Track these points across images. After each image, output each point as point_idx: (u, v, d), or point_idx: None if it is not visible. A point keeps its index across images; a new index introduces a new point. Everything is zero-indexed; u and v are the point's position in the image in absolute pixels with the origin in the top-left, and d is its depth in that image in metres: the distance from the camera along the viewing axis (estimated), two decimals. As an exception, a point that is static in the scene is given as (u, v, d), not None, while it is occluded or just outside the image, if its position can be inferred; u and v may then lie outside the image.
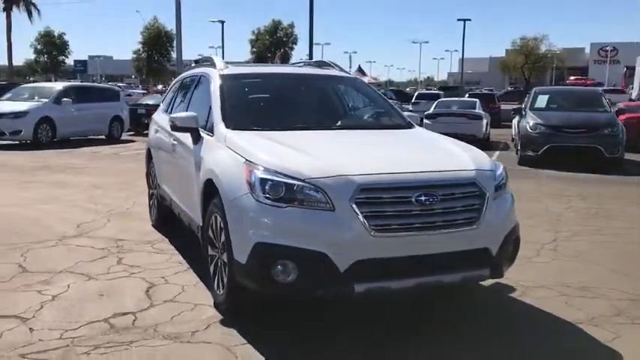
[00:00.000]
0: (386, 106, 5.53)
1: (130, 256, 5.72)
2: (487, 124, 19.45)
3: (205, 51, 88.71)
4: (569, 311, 4.38)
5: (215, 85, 5.14)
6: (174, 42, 37.77)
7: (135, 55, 61.37)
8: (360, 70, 60.69)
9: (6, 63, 54.81)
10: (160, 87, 52.71)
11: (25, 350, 3.61)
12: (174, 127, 4.93)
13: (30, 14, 53.24)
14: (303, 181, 3.61)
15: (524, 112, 14.97)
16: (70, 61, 78.98)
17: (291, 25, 63.87)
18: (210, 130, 4.69)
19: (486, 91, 37.19)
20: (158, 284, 4.88)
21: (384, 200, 3.62)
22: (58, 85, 19.44)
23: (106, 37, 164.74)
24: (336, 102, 5.56)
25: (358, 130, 4.90)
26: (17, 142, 16.59)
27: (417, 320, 4.27)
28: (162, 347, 3.68)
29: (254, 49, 62.93)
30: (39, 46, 68.08)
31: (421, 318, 4.32)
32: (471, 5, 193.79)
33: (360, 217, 3.51)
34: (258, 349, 3.65)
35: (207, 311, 4.27)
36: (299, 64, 6.76)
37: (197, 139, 4.82)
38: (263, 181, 3.68)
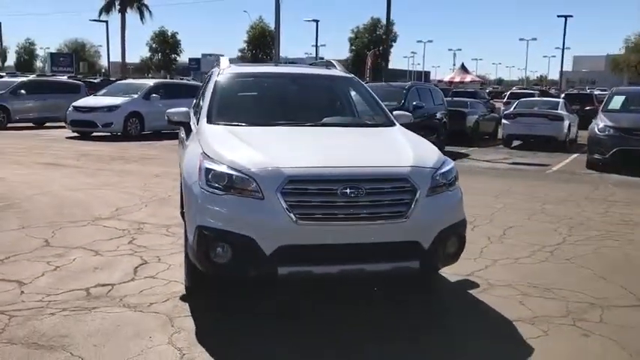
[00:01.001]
0: (374, 106, 5.75)
1: (143, 237, 6.33)
2: (570, 126, 18.67)
3: (311, 50, 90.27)
4: (517, 309, 4.43)
5: (211, 83, 5.62)
6: (278, 40, 38.98)
7: (240, 54, 63.80)
8: (463, 68, 59.30)
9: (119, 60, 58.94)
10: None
11: (7, 307, 4.24)
12: (169, 121, 5.45)
13: (142, 15, 57.08)
14: (240, 171, 3.98)
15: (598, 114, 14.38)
16: (184, 58, 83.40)
17: (391, 23, 63.66)
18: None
19: (584, 92, 35.34)
20: (150, 262, 5.42)
21: (310, 191, 3.90)
22: (149, 82, 20.95)
23: (216, 36, 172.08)
24: (323, 100, 5.85)
25: (332, 128, 5.16)
26: (109, 134, 18.07)
27: (364, 304, 4.50)
28: (116, 314, 4.18)
29: (352, 48, 63.45)
30: (154, 45, 72.56)
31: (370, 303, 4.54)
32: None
33: (285, 205, 3.83)
34: (196, 322, 4.06)
35: (176, 287, 4.73)
36: (303, 65, 7.10)
37: (189, 132, 5.32)
38: (208, 170, 4.09)
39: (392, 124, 5.43)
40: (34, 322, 4.00)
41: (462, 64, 61.59)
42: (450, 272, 5.25)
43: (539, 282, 5.07)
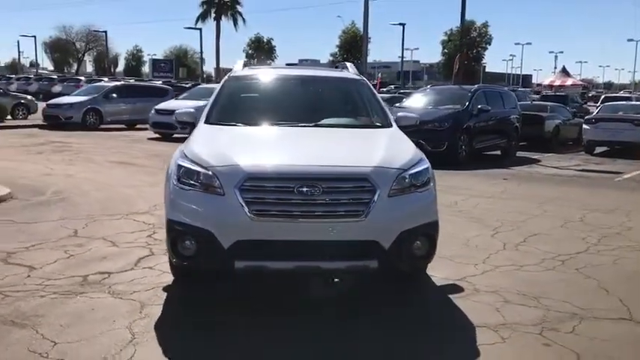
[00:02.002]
0: (377, 108, 5.77)
1: (163, 232, 6.66)
2: (659, 132, 17.45)
3: (404, 53, 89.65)
4: (488, 316, 4.33)
5: (220, 85, 5.88)
6: (366, 45, 39.24)
7: (332, 58, 64.53)
8: (565, 72, 57.02)
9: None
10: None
11: (7, 288, 4.67)
12: (177, 121, 5.76)
13: (235, 22, 59.32)
14: (205, 168, 4.18)
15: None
16: (281, 63, 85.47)
17: (485, 25, 62.18)
18: None
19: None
20: (156, 254, 5.73)
21: (267, 189, 4.03)
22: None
23: (310, 42, 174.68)
24: (325, 102, 5.92)
25: (324, 129, 5.23)
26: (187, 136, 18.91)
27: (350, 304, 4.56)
28: (97, 299, 4.50)
29: (445, 51, 62.45)
30: (250, 51, 74.93)
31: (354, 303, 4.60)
32: None
33: (242, 202, 3.98)
34: (163, 311, 4.30)
35: (166, 278, 4.99)
36: (316, 67, 7.19)
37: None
38: (179, 167, 4.33)
39: (389, 126, 5.44)
40: (21, 302, 4.38)
41: (563, 67, 58.94)
42: (441, 276, 5.21)
43: (530, 290, 4.90)
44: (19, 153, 14.15)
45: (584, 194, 10.06)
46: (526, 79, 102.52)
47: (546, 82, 50.72)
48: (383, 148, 4.55)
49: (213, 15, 58.50)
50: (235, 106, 5.73)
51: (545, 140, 18.20)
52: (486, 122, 14.87)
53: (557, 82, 48.94)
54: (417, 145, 12.99)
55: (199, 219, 4.09)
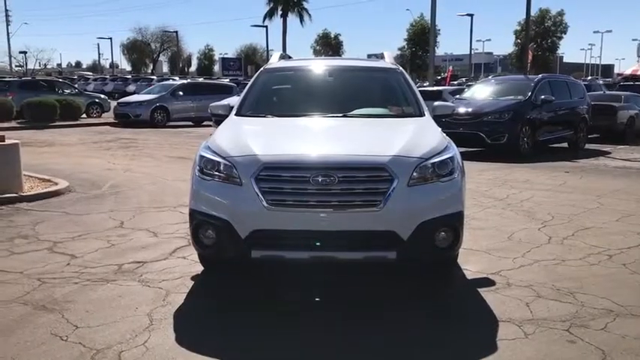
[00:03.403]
0: (410, 97, 5.64)
1: (205, 223, 6.80)
2: None
3: (476, 45, 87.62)
4: (515, 310, 4.14)
5: (253, 77, 5.93)
6: (437, 37, 38.65)
7: (399, 52, 63.90)
8: (646, 60, 54.01)
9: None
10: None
11: (46, 275, 4.88)
12: (211, 114, 5.85)
13: (301, 19, 59.78)
14: (224, 158, 4.22)
15: None
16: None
17: (560, 13, 59.74)
18: None
19: None
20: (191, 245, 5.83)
21: (283, 178, 4.02)
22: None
23: (378, 36, 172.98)
24: (359, 92, 5.82)
25: (353, 119, 5.16)
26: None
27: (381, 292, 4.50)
28: (126, 287, 4.63)
29: (518, 41, 60.51)
30: (317, 47, 75.30)
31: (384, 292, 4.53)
32: None
33: (258, 192, 3.99)
34: (186, 300, 4.37)
35: (196, 268, 5.07)
36: (352, 58, 7.09)
37: None
38: (201, 157, 4.39)
39: (420, 115, 5.31)
40: (55, 288, 4.57)
41: (647, 55, 55.95)
42: (474, 270, 5.06)
43: (567, 285, 4.66)
44: (87, 149, 14.82)
45: (650, 187, 9.49)
46: (607, 69, 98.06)
47: (628, 71, 48.40)
48: (406, 138, 4.44)
49: (280, 12, 59.19)
50: (266, 98, 5.76)
51: (619, 132, 17.32)
52: (551, 113, 14.30)
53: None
54: (475, 137, 12.91)
55: (218, 209, 4.14)
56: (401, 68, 6.16)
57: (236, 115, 5.38)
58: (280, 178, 4.02)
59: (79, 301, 4.30)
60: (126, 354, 3.44)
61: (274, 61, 6.33)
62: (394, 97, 5.78)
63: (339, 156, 4.10)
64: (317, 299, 4.48)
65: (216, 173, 4.23)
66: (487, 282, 4.75)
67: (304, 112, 5.28)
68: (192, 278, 4.84)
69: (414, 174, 4.06)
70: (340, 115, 5.20)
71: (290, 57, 6.91)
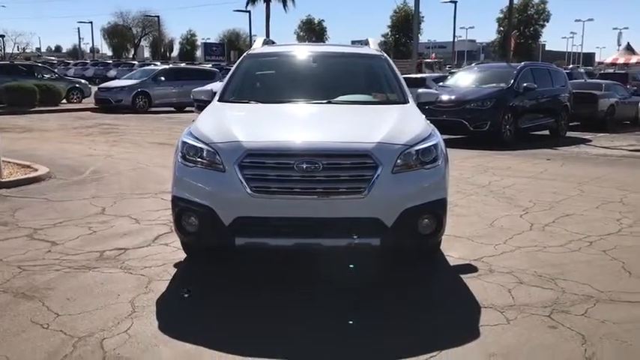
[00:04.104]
0: (394, 84, 5.63)
1: (187, 209, 6.75)
2: None
3: (460, 32, 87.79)
4: (497, 296, 4.18)
5: (236, 63, 5.87)
6: (420, 25, 38.58)
7: (383, 39, 63.80)
8: (629, 49, 54.84)
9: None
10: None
11: (26, 262, 4.82)
12: (194, 100, 5.79)
13: (285, 4, 59.44)
14: (207, 145, 4.18)
15: None
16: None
17: (543, 1, 59.96)
18: None
19: None
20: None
21: (267, 165, 3.99)
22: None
23: (361, 23, 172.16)
24: (342, 79, 5.79)
25: (337, 106, 5.13)
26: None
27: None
28: (108, 274, 4.58)
29: (500, 29, 60.69)
30: (301, 33, 74.89)
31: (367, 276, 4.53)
32: None
33: (242, 178, 3.96)
34: (168, 287, 4.34)
35: (179, 255, 5.04)
36: (337, 44, 7.05)
37: None
38: (184, 144, 4.35)
39: (404, 102, 5.30)
40: (36, 276, 4.51)
41: (628, 44, 56.58)
42: (456, 256, 5.08)
43: (548, 271, 4.71)
44: (68, 135, 14.64)
45: (630, 175, 9.61)
46: (588, 58, 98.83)
47: (609, 60, 48.80)
48: (390, 124, 4.43)
49: (263, -2, 58.71)
50: (249, 84, 5.72)
51: (599, 120, 17.49)
52: (533, 101, 14.40)
53: (621, 60, 46.93)
54: (458, 124, 12.98)
55: (201, 195, 4.11)
56: (385, 55, 6.14)
57: (219, 100, 5.33)
58: (264, 165, 4.00)
59: (60, 289, 4.25)
60: (108, 341, 3.41)
61: (258, 47, 6.28)
62: (378, 83, 5.76)
63: (324, 143, 4.08)
64: (303, 289, 4.47)
65: (199, 160, 4.19)
66: (470, 268, 4.78)
67: (288, 99, 5.25)
68: (175, 265, 4.81)
69: (398, 161, 4.05)
70: (324, 101, 5.17)
71: (274, 42, 6.85)
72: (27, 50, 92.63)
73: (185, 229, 4.23)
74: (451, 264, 4.93)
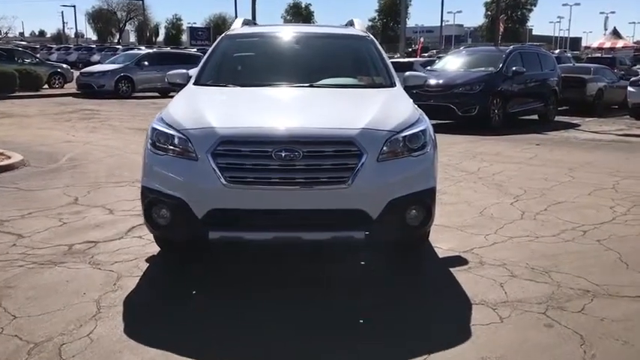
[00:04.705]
0: (380, 67, 5.34)
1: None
2: None
3: (447, 17, 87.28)
4: (489, 291, 3.94)
5: (214, 44, 5.55)
6: (408, 9, 38.21)
7: (370, 23, 63.31)
8: (616, 33, 54.88)
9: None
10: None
11: (-11, 257, 4.51)
12: (169, 83, 5.47)
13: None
14: (178, 131, 3.88)
15: None
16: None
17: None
18: None
19: None
20: (151, 223, 5.49)
21: (243, 153, 3.70)
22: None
23: (349, 6, 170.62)
24: (326, 61, 5.49)
25: (319, 89, 4.84)
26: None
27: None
28: (75, 270, 4.29)
29: (488, 13, 60.41)
30: (288, 17, 74.17)
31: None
32: None
33: (216, 167, 3.66)
34: (138, 284, 4.06)
35: (152, 249, 4.75)
36: (321, 25, 6.74)
37: None
38: (153, 130, 4.04)
39: (391, 86, 5.02)
40: (-4, 272, 4.20)
41: (614, 28, 56.60)
42: (445, 248, 4.84)
43: (541, 263, 4.48)
44: (47, 121, 14.25)
45: (621, 160, 9.41)
46: (575, 42, 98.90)
47: (595, 44, 48.83)
48: (376, 109, 4.15)
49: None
50: (227, 66, 5.41)
51: (588, 104, 17.33)
52: (522, 85, 14.17)
53: (607, 45, 46.94)
54: (446, 109, 12.73)
55: (172, 186, 3.81)
56: (371, 36, 5.84)
57: (194, 84, 5.03)
58: (240, 153, 3.71)
59: (21, 287, 3.96)
60: (67, 347, 3.13)
61: (237, 27, 5.95)
62: (364, 66, 5.47)
63: (304, 129, 3.80)
64: (281, 286, 4.21)
65: (170, 147, 3.89)
66: (459, 260, 4.55)
67: (267, 82, 4.95)
68: (147, 260, 4.53)
69: (384, 148, 3.78)
70: (306, 84, 4.88)
71: (255, 23, 6.53)
72: (9, 35, 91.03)
73: (155, 222, 3.94)
74: (440, 256, 4.69)
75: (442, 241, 4.96)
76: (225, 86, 4.95)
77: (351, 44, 5.74)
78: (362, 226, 3.75)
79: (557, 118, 15.55)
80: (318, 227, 3.75)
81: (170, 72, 5.50)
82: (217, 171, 3.66)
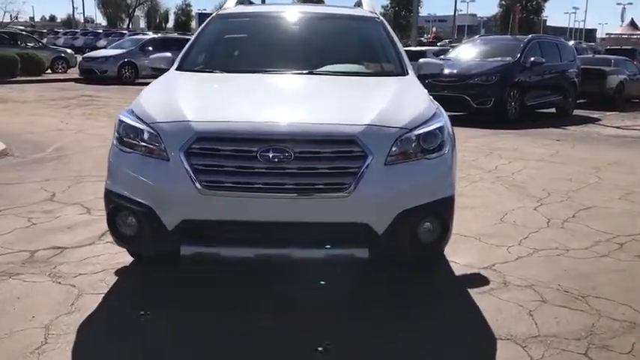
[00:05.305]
0: (391, 52, 4.67)
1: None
2: None
3: (461, 6, 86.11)
4: (516, 322, 3.29)
5: (202, 25, 4.90)
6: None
7: (382, 11, 62.29)
8: (633, 25, 53.99)
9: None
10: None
11: (-63, 266, 3.91)
12: (151, 68, 4.84)
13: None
14: (148, 125, 3.25)
15: None
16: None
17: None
18: None
19: None
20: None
21: (223, 153, 3.06)
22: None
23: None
24: (330, 44, 4.80)
25: (320, 77, 4.19)
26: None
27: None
28: (31, 283, 3.69)
29: (502, 2, 59.27)
30: (297, 1, 73.16)
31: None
32: None
33: (190, 169, 3.03)
34: (100, 304, 3.44)
35: (125, 258, 4.12)
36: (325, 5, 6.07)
37: None
38: (120, 123, 3.42)
39: (403, 74, 4.36)
40: (-62, 286, 3.60)
41: (632, 19, 55.48)
42: (463, 263, 4.19)
43: (575, 285, 3.82)
44: (43, 107, 13.73)
45: (650, 159, 8.70)
46: (590, 34, 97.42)
47: (612, 36, 47.84)
48: (385, 102, 3.49)
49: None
50: (216, 49, 4.76)
51: (608, 97, 16.56)
52: (540, 76, 13.43)
53: (625, 36, 45.94)
54: (460, 100, 12.01)
55: (139, 191, 3.19)
56: (381, 18, 5.16)
57: (177, 69, 4.39)
58: (218, 153, 3.07)
59: (-38, 306, 3.35)
60: (-7, 395, 2.52)
61: (230, 6, 5.28)
62: (372, 51, 4.80)
63: (297, 124, 3.15)
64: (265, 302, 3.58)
65: (139, 144, 3.26)
66: (479, 280, 3.90)
67: (260, 68, 4.30)
68: (117, 272, 3.91)
69: (394, 149, 3.13)
70: (305, 71, 4.23)
71: (250, 2, 5.86)
72: (19, 19, 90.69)
73: (120, 232, 3.32)
74: (456, 273, 4.04)
75: (458, 254, 4.31)
76: (211, 72, 4.31)
77: (358, 26, 5.07)
78: (365, 243, 3.11)
79: (576, 112, 14.82)
80: (311, 244, 3.11)
81: (152, 56, 4.87)
82: (192, 174, 3.02)
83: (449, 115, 3.75)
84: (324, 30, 4.95)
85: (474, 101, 12.15)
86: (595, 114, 14.80)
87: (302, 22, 5.03)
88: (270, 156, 2.99)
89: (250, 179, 3.02)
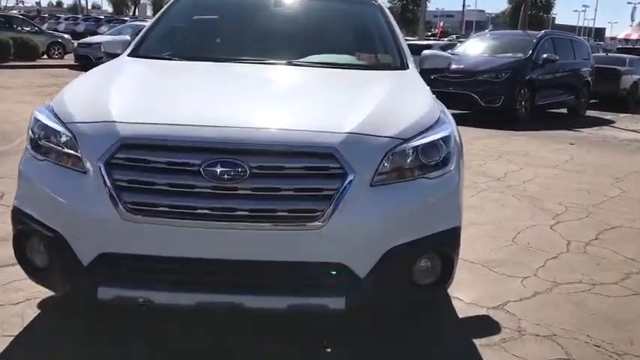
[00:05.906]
0: (388, 41, 3.91)
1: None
2: None
3: (469, 1, 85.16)
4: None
5: (167, 4, 4.15)
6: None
7: (389, 5, 61.42)
8: (643, 24, 53.02)
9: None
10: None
11: None
12: (104, 53, 4.09)
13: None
14: (65, 125, 2.49)
15: None
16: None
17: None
18: None
19: None
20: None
21: (155, 165, 2.31)
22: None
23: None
24: (312, 30, 4.04)
25: (297, 68, 3.44)
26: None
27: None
28: None
29: (512, -2, 58.27)
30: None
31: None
32: None
33: (111, 186, 2.28)
34: (15, 346, 2.70)
35: (59, 281, 3.38)
36: None
37: None
38: (35, 121, 2.66)
39: (402, 68, 3.60)
40: None
41: (643, 19, 54.59)
42: (467, 300, 3.43)
43: (607, 336, 3.08)
44: (29, 94, 13.09)
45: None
46: (599, 32, 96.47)
47: (621, 35, 47.23)
48: (376, 102, 2.73)
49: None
50: (180, 33, 4.02)
51: (621, 98, 15.78)
52: (552, 74, 12.65)
53: (635, 36, 45.28)
54: (467, 98, 11.21)
55: (49, 212, 2.44)
56: (379, 1, 4.39)
57: (129, 55, 3.64)
58: (149, 166, 2.31)
59: None
60: None
61: (203, -17, 4.51)
62: (366, 39, 4.05)
63: (257, 130, 2.40)
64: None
65: (54, 148, 2.51)
66: (488, 326, 3.15)
67: (231, 56, 3.56)
68: (40, 305, 3.16)
69: (384, 165, 2.38)
70: (283, 61, 3.47)
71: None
72: (25, 4, 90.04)
73: (29, 261, 2.58)
74: (459, 315, 3.29)
75: (462, 287, 3.56)
76: (170, 60, 3.55)
77: (351, 10, 4.31)
78: (342, 290, 2.35)
79: (588, 113, 14.06)
80: (270, 290, 2.36)
81: (107, 39, 4.13)
82: (113, 193, 2.27)
83: (454, 114, 3.00)
84: (311, 13, 4.19)
85: (482, 99, 11.38)
86: (608, 115, 14.06)
87: (284, 3, 4.26)
88: (218, 172, 2.24)
89: (190, 202, 2.26)
